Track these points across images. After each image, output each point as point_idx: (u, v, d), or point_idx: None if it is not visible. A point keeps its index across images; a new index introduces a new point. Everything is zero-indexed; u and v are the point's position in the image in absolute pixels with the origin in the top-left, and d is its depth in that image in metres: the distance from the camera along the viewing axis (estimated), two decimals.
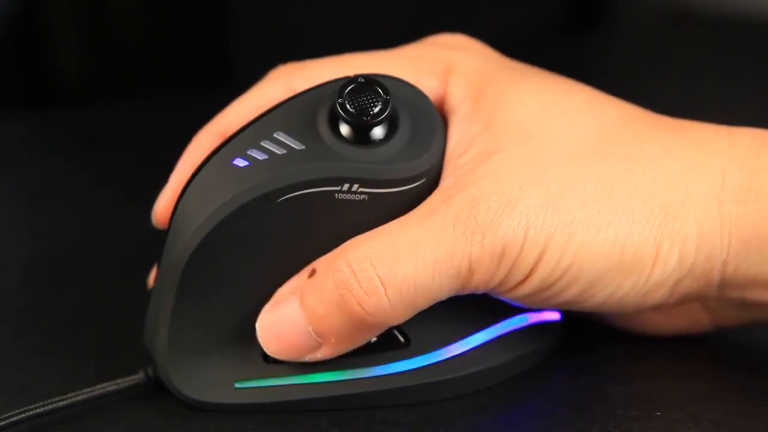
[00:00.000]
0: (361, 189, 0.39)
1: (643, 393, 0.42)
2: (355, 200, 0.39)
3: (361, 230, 0.40)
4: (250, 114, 0.40)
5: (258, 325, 0.40)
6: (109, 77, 0.84)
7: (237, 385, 0.40)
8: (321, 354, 0.40)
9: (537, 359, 0.43)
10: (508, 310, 0.42)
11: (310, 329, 0.39)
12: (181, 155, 0.43)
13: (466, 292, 0.40)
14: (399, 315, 0.39)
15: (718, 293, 0.41)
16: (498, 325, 0.42)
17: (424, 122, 0.40)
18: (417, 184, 0.40)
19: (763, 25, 0.92)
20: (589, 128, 0.40)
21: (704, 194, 0.40)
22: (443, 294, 0.39)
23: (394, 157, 0.39)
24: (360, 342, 0.40)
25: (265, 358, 0.41)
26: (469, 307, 0.41)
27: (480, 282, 0.39)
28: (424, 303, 0.39)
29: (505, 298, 0.40)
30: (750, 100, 0.73)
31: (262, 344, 0.40)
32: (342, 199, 0.39)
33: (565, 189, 0.39)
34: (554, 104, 0.41)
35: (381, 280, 0.38)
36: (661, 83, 0.78)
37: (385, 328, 0.40)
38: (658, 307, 0.41)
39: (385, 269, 0.38)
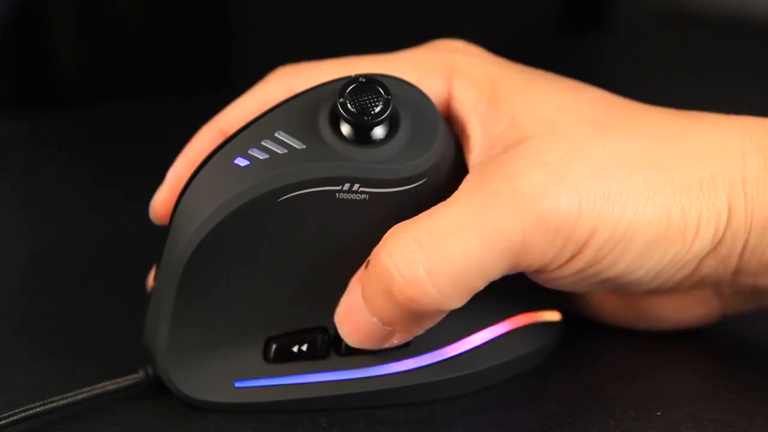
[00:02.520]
0: (361, 189, 0.39)
1: (643, 393, 0.42)
2: (355, 200, 0.39)
3: (363, 230, 0.40)
4: (250, 113, 0.40)
5: (335, 317, 0.40)
6: (109, 77, 0.84)
7: (237, 385, 0.40)
8: (397, 339, 0.39)
9: (537, 359, 0.43)
10: (509, 309, 0.42)
11: (375, 319, 0.39)
12: (180, 153, 0.43)
13: (520, 269, 0.39)
14: (453, 298, 0.38)
15: (732, 278, 0.41)
16: (498, 325, 0.42)
17: (425, 122, 0.40)
18: (418, 183, 0.40)
19: (763, 25, 0.93)
20: (609, 117, 0.40)
21: (730, 172, 0.40)
22: (496, 272, 0.38)
23: (395, 156, 0.39)
24: (429, 324, 0.39)
25: (266, 357, 0.41)
26: (469, 307, 0.41)
27: (534, 257, 0.38)
28: (479, 283, 0.38)
29: (550, 279, 0.40)
30: (750, 100, 0.73)
31: (343, 337, 0.40)
32: (343, 198, 0.39)
33: (608, 161, 0.39)
34: (570, 101, 0.41)
35: (423, 266, 0.38)
36: (661, 83, 0.78)
37: (447, 311, 0.39)
38: (676, 289, 0.41)
39: (427, 254, 0.38)
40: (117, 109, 0.78)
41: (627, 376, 0.43)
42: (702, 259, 0.40)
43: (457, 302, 0.38)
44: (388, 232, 0.39)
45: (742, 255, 0.40)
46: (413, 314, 0.38)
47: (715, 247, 0.40)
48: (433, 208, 0.39)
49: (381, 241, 0.39)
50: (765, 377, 0.42)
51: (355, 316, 0.39)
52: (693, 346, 0.44)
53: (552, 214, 0.38)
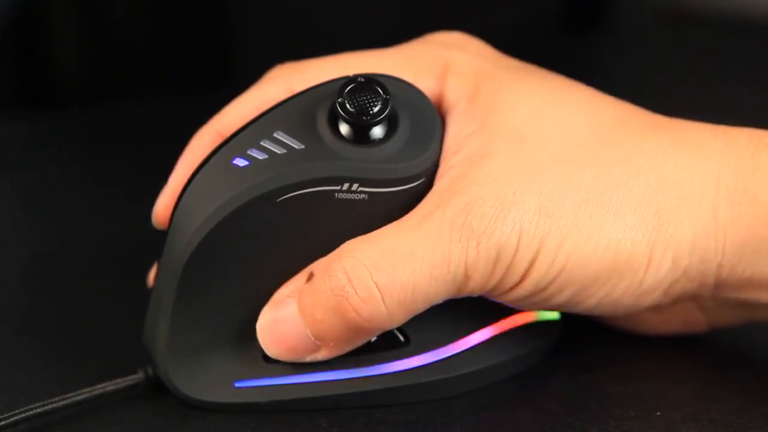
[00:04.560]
0: (360, 188, 0.39)
1: (643, 393, 0.42)
2: (355, 200, 0.39)
3: (362, 230, 0.40)
4: (249, 114, 0.40)
5: (258, 326, 0.40)
6: (109, 77, 0.84)
7: (237, 385, 0.40)
8: (321, 355, 0.40)
9: (536, 358, 0.43)
10: (508, 309, 0.42)
11: (308, 332, 0.40)
12: (181, 155, 0.43)
13: (462, 296, 0.40)
14: (396, 319, 0.39)
15: (713, 293, 0.41)
16: (498, 325, 0.42)
17: (423, 122, 0.40)
18: (417, 183, 0.40)
19: (763, 25, 0.92)
20: (584, 129, 0.40)
21: (699, 197, 0.40)
22: (439, 298, 0.39)
23: (393, 156, 0.39)
24: (359, 343, 0.40)
25: (265, 357, 0.41)
26: (468, 307, 0.41)
27: (476, 286, 0.39)
28: (422, 307, 0.39)
29: (500, 300, 0.40)
30: (750, 100, 0.73)
31: (262, 345, 0.40)
32: (342, 198, 0.39)
33: (558, 194, 0.39)
34: (550, 104, 0.41)
35: (378, 287, 0.39)
36: (661, 83, 0.78)
37: (383, 331, 0.40)
38: (653, 308, 0.41)
39: (382, 275, 0.38)
40: (117, 109, 0.78)
41: (627, 377, 0.43)
42: (670, 284, 0.40)
43: (399, 323, 0.40)
44: (342, 247, 0.39)
45: (719, 274, 0.40)
46: (356, 331, 0.39)
47: (682, 273, 0.40)
48: (388, 227, 0.39)
49: (331, 258, 0.39)
50: (764, 377, 0.42)
51: (283, 328, 0.40)
52: (692, 346, 0.44)
53: (494, 247, 0.39)
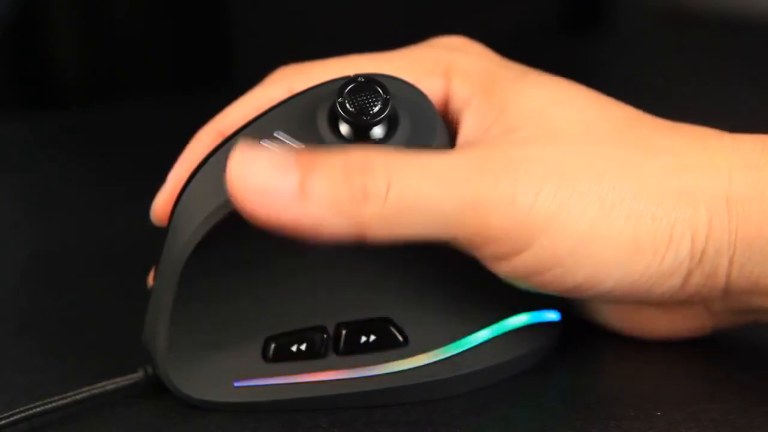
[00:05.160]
0: None
1: (643, 393, 0.41)
2: None
3: None
4: (250, 114, 0.40)
5: (233, 154, 0.37)
6: (109, 77, 0.84)
7: (236, 384, 0.40)
8: (291, 211, 0.37)
9: (537, 359, 0.43)
10: (508, 309, 0.42)
11: (294, 178, 0.37)
12: (181, 154, 0.43)
13: (462, 239, 0.38)
14: (383, 223, 0.37)
15: (722, 296, 0.41)
16: (498, 325, 0.42)
17: (423, 121, 0.40)
18: None
19: (763, 25, 0.93)
20: (599, 119, 0.40)
21: (714, 187, 0.39)
22: (437, 229, 0.38)
23: None
24: (330, 228, 0.37)
25: (265, 357, 0.41)
26: (468, 306, 0.41)
27: (479, 228, 0.38)
28: (412, 226, 0.38)
29: (507, 272, 0.39)
30: (750, 100, 0.73)
31: (227, 175, 0.37)
32: None
33: (581, 163, 0.39)
34: (564, 96, 0.41)
35: (389, 177, 0.37)
36: (661, 83, 0.78)
37: (361, 234, 0.38)
38: (665, 303, 0.41)
39: (397, 172, 0.37)
40: (117, 109, 0.78)
41: (627, 376, 0.43)
42: (687, 273, 0.40)
43: (380, 230, 0.37)
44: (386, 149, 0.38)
45: (729, 273, 0.40)
46: (347, 202, 0.37)
47: (699, 262, 0.40)
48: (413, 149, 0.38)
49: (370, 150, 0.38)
50: (765, 377, 0.42)
51: (266, 162, 0.37)
52: (693, 346, 0.44)
53: (510, 189, 0.38)
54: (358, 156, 0.38)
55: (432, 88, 0.41)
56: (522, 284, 0.40)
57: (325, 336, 0.41)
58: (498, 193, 0.38)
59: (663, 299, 0.40)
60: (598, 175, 0.39)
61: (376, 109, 0.39)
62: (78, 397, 0.40)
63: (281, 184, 0.37)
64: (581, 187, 0.39)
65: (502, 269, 0.39)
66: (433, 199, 0.38)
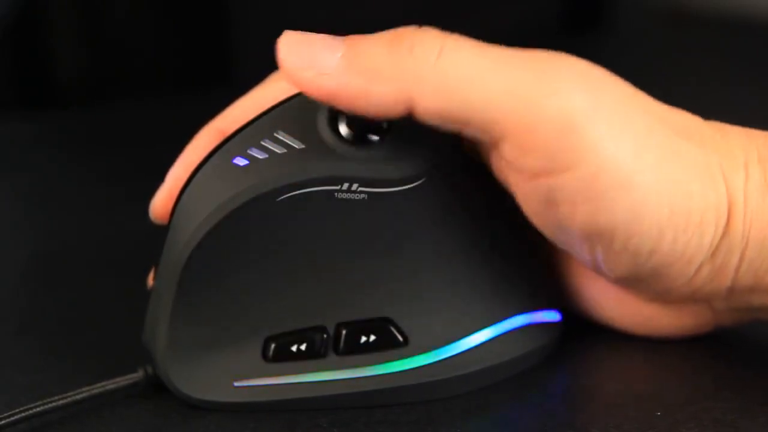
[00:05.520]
0: (360, 188, 0.39)
1: (643, 393, 0.41)
2: (355, 200, 0.39)
3: (362, 230, 0.40)
4: (251, 114, 0.40)
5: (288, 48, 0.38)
6: (109, 77, 0.84)
7: (236, 384, 0.40)
8: (329, 62, 0.38)
9: (537, 359, 0.43)
10: (508, 309, 0.42)
11: (341, 47, 0.38)
12: (181, 153, 0.43)
13: (507, 133, 0.38)
14: (430, 89, 0.37)
15: (727, 294, 0.41)
16: (498, 325, 0.42)
17: None
18: (417, 183, 0.40)
19: (763, 25, 0.93)
20: (634, 91, 0.40)
21: (734, 177, 0.39)
22: (486, 111, 0.37)
23: (393, 156, 0.39)
24: (378, 95, 0.38)
25: (265, 356, 0.41)
26: (468, 306, 0.41)
27: (526, 118, 0.37)
28: (459, 101, 0.37)
29: (542, 196, 0.38)
30: (750, 100, 0.73)
31: (279, 58, 0.38)
32: (342, 198, 0.39)
33: (636, 112, 0.39)
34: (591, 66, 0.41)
35: (443, 43, 0.37)
36: (661, 83, 0.78)
37: (408, 100, 0.37)
38: (669, 297, 0.41)
39: (452, 40, 0.37)
40: (117, 109, 0.78)
41: (627, 377, 0.43)
42: (698, 269, 0.40)
43: (435, 104, 0.37)
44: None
45: (738, 268, 0.40)
46: (402, 75, 0.37)
47: (711, 255, 0.39)
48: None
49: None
50: (765, 377, 0.42)
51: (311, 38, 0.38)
52: (693, 345, 0.44)
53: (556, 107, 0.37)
54: (410, 27, 0.38)
55: None
56: (551, 224, 0.40)
57: (325, 336, 0.41)
58: (554, 88, 0.37)
59: (670, 288, 0.40)
60: (649, 129, 0.38)
61: None
62: (78, 397, 0.40)
63: (328, 55, 0.38)
64: (634, 128, 0.38)
65: (538, 192, 0.39)
66: (486, 73, 0.37)
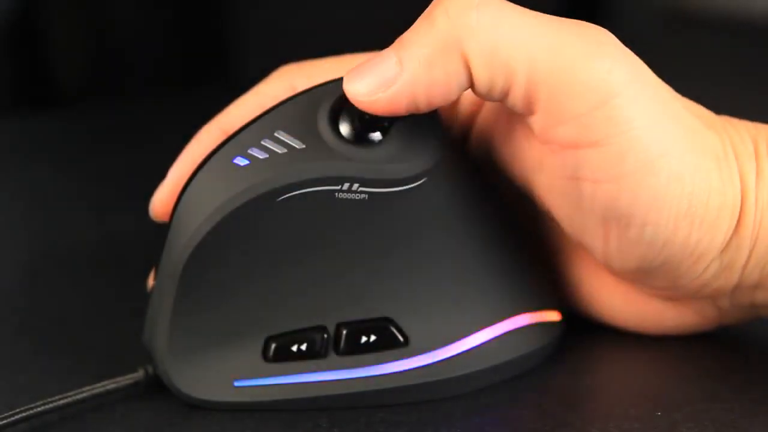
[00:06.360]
0: (361, 188, 0.39)
1: (643, 393, 0.41)
2: (355, 200, 0.39)
3: (363, 230, 0.40)
4: (252, 112, 0.40)
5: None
6: (109, 77, 0.84)
7: (236, 384, 0.40)
8: (399, 79, 0.38)
9: (537, 359, 0.43)
10: (509, 309, 0.42)
11: (392, 55, 0.38)
12: (182, 152, 0.43)
13: (544, 96, 0.38)
14: (473, 45, 0.37)
15: (732, 291, 0.41)
16: (498, 325, 0.42)
17: (424, 121, 0.40)
18: (417, 183, 0.40)
19: (763, 25, 0.93)
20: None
21: (747, 169, 0.39)
22: (528, 69, 0.37)
23: (394, 156, 0.39)
24: (435, 67, 0.38)
25: (265, 356, 0.41)
26: (469, 307, 0.41)
27: (563, 77, 0.37)
28: (503, 58, 0.37)
29: (571, 169, 0.38)
30: (750, 100, 0.73)
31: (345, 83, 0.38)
32: (342, 198, 0.39)
33: (658, 91, 0.38)
34: None
35: (479, 4, 0.37)
36: None
37: (463, 63, 0.38)
38: (677, 292, 0.41)
39: (486, 3, 0.37)
40: (115, 110, 0.78)
41: (627, 377, 0.43)
42: (710, 263, 0.40)
43: (487, 67, 0.38)
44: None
45: (745, 266, 0.40)
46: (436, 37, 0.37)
47: (720, 252, 0.39)
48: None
49: None
50: (765, 377, 0.42)
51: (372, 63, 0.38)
52: (693, 345, 0.44)
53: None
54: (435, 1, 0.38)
55: None
56: (570, 204, 0.39)
57: (325, 336, 0.41)
58: (600, 52, 0.37)
59: (676, 284, 0.40)
60: (679, 114, 0.38)
61: None
62: (78, 397, 0.40)
63: (385, 68, 0.38)
64: (667, 111, 0.38)
65: (564, 165, 0.38)
66: (531, 29, 0.37)
